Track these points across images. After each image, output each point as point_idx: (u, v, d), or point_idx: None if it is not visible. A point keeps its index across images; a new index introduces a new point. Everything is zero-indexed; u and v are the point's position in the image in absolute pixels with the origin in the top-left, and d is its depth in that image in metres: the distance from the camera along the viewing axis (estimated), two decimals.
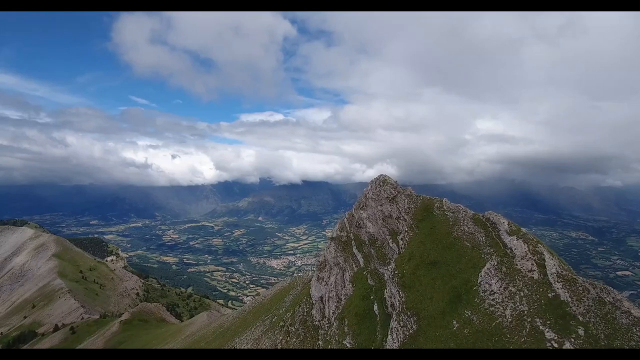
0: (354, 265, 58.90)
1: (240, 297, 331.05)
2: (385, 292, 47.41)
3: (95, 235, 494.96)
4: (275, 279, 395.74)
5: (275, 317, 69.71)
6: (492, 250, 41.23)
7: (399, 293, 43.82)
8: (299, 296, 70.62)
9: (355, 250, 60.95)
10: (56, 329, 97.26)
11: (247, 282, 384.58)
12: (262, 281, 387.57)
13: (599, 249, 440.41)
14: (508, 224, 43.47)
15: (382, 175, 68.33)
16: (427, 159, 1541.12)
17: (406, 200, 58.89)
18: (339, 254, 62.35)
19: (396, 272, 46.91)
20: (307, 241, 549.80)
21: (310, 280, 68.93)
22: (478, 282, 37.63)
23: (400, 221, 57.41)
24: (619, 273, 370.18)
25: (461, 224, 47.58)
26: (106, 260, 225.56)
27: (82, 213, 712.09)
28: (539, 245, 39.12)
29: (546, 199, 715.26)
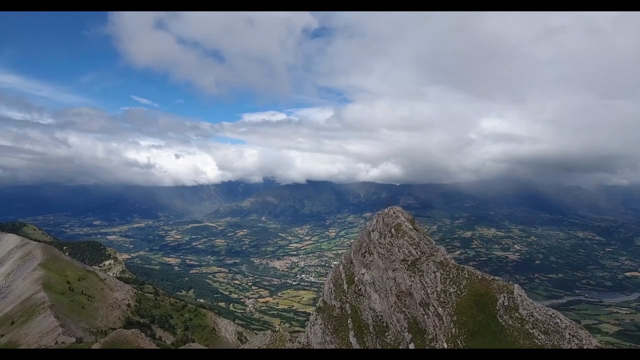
0: None
1: (242, 300, 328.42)
2: None
3: (98, 236, 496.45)
4: (278, 280, 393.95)
5: None
6: None
7: None
8: None
9: (352, 338, 39.56)
10: None
11: (249, 283, 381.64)
12: (265, 283, 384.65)
13: (607, 249, 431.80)
14: None
15: (393, 209, 45.37)
16: (432, 158, 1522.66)
17: (439, 275, 35.17)
18: (328, 338, 41.01)
19: None
20: (310, 242, 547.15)
21: None
22: None
23: (429, 313, 34.38)
24: (627, 274, 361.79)
25: None
26: (103, 265, 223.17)
27: (85, 213, 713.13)
28: None
29: (552, 198, 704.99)
